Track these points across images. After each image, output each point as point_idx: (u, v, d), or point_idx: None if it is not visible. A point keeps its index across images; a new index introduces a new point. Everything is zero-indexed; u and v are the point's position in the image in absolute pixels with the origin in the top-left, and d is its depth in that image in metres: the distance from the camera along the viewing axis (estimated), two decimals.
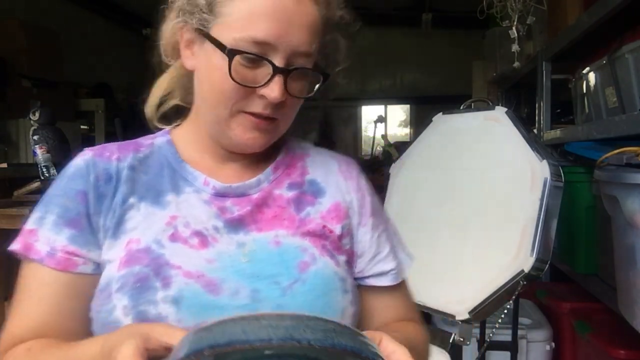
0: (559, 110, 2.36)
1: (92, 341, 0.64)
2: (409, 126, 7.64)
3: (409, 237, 1.35)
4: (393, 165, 1.49)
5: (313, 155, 0.86)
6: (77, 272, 0.72)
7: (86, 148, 0.79)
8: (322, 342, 0.44)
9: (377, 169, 3.71)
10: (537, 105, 2.26)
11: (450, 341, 1.09)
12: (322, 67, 0.78)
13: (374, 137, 5.53)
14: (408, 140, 6.43)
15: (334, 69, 0.81)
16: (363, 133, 7.55)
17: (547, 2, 2.25)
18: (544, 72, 2.18)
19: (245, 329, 0.45)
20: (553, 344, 1.92)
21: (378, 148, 5.23)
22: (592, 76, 1.69)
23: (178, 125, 0.84)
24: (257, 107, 0.71)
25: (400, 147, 3.71)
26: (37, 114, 2.58)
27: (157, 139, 0.82)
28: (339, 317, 0.73)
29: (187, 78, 0.80)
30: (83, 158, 0.77)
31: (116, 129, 3.68)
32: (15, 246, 0.72)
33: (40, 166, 2.31)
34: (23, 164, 3.17)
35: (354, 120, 7.52)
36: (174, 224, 0.73)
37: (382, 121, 5.90)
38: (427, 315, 1.47)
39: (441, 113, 1.47)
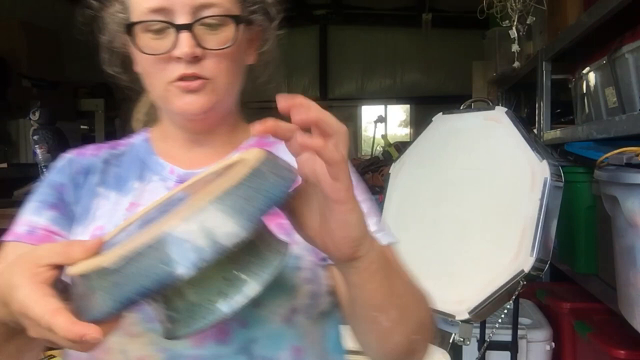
0: (559, 110, 2.36)
1: None
2: (409, 126, 7.64)
3: (409, 237, 1.35)
4: (393, 165, 1.49)
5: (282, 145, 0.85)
6: None
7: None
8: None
9: (377, 169, 3.70)
10: (537, 105, 2.26)
11: (450, 341, 1.09)
12: (245, 15, 0.75)
13: (374, 137, 5.53)
14: (408, 140, 6.43)
15: (260, 13, 0.78)
16: (363, 133, 7.55)
17: (547, 2, 2.25)
18: (544, 72, 2.18)
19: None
20: (553, 344, 1.92)
21: (378, 148, 5.22)
22: (592, 76, 1.69)
23: None
24: (178, 69, 0.70)
25: (400, 147, 3.71)
26: (37, 114, 2.58)
27: (136, 137, 0.86)
28: (291, 294, 0.70)
29: None
30: (65, 157, 0.82)
31: (116, 129, 3.68)
32: (4, 238, 0.75)
33: (40, 166, 2.31)
34: (23, 164, 3.15)
35: (354, 120, 7.52)
36: (132, 211, 0.73)
37: (382, 121, 5.89)
38: None
39: (441, 113, 1.47)
